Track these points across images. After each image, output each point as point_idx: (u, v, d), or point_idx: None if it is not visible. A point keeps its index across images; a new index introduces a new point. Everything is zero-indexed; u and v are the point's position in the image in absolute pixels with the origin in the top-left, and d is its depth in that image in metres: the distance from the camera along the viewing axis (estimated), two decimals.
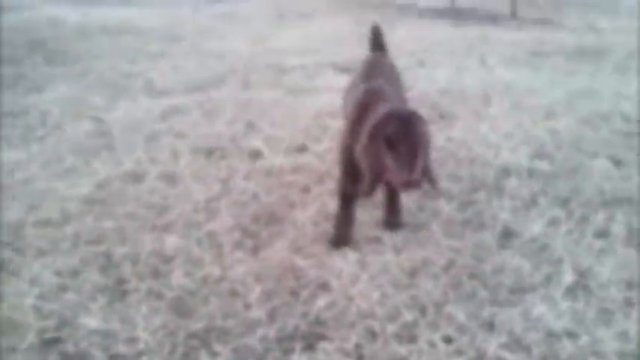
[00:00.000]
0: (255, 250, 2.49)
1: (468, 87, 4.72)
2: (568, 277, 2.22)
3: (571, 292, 2.16)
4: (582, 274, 2.25)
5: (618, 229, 2.54)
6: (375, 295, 2.16)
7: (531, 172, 3.11)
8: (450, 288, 2.19)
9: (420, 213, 2.73)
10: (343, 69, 5.34)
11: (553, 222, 2.62)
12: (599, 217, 2.63)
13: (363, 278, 2.26)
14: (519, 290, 2.18)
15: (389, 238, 2.55)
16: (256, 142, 3.60)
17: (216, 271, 2.32)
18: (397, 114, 2.02)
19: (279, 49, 6.27)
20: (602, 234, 2.53)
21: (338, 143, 2.47)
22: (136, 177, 3.16)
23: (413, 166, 1.93)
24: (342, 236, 2.52)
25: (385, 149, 1.98)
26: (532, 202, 2.81)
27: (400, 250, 2.46)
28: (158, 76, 5.24)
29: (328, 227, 2.59)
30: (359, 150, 2.15)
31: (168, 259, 2.42)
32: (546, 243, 2.47)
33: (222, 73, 5.34)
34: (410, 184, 1.94)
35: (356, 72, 2.82)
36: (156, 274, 2.31)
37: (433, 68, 5.41)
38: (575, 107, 4.11)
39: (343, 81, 5.03)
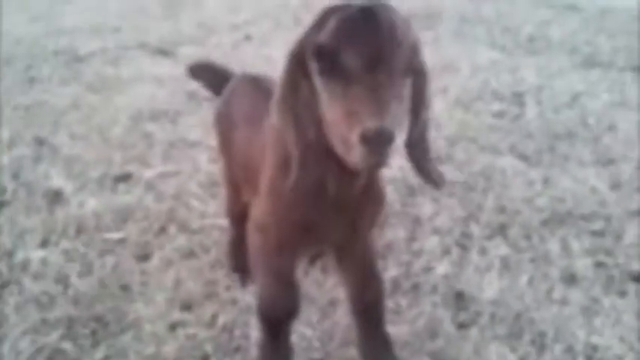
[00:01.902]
0: None
1: None
2: None
3: None
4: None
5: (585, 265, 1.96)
6: None
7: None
8: None
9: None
10: (157, 51, 4.30)
11: (506, 267, 1.95)
12: (554, 248, 2.03)
13: None
14: None
15: None
16: (53, 176, 2.52)
17: None
18: (345, 4, 1.03)
19: (68, 30, 4.94)
20: (570, 279, 1.90)
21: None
22: None
23: (381, 97, 0.94)
24: None
25: (322, 75, 1.02)
26: (465, 237, 2.10)
27: None
28: None
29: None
30: (271, 105, 1.15)
31: None
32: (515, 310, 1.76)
33: None
34: (380, 135, 0.92)
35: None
36: None
37: (263, 44, 4.58)
38: (439, 85, 3.56)
39: (160, 67, 4.14)
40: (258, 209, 1.36)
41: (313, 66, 1.04)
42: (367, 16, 0.99)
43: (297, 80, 1.10)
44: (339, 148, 1.00)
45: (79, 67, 4.02)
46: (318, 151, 1.10)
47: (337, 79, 0.98)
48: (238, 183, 1.65)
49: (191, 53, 4.18)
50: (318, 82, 1.04)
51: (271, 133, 1.27)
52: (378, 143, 0.92)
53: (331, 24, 1.00)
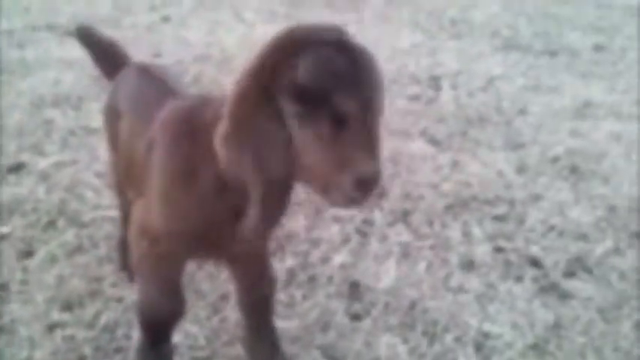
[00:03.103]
0: None
1: (230, 50, 3.85)
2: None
3: None
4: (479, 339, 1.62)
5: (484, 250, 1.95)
6: None
7: None
8: None
9: None
10: (67, 33, 4.08)
11: (405, 254, 1.91)
12: (455, 234, 2.01)
13: None
14: None
15: None
16: None
17: None
18: (308, 36, 0.95)
19: None
20: (468, 265, 1.88)
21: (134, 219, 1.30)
22: None
23: (374, 141, 0.91)
24: None
25: (302, 118, 0.92)
26: (367, 224, 2.05)
27: None
28: None
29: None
30: (220, 140, 1.00)
31: None
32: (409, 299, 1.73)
33: None
34: (375, 180, 0.90)
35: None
36: None
37: (181, 26, 4.42)
38: None
39: (69, 50, 3.92)
40: (144, 214, 1.25)
41: (287, 107, 0.93)
42: (347, 53, 0.93)
43: (256, 115, 0.96)
44: (317, 189, 0.96)
45: None
46: (284, 189, 1.02)
47: (321, 122, 0.90)
48: (123, 181, 1.51)
49: None
50: (293, 124, 0.93)
51: (164, 137, 1.18)
52: (372, 187, 0.91)
53: (309, 62, 0.91)
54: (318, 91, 0.90)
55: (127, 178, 1.42)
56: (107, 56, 1.70)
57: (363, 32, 4.17)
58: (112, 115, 1.49)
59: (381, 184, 0.93)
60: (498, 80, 3.39)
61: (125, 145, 1.39)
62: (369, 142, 0.91)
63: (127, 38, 3.36)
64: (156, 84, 1.40)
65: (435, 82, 3.32)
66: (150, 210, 1.21)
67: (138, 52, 1.96)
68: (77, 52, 3.75)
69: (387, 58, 3.62)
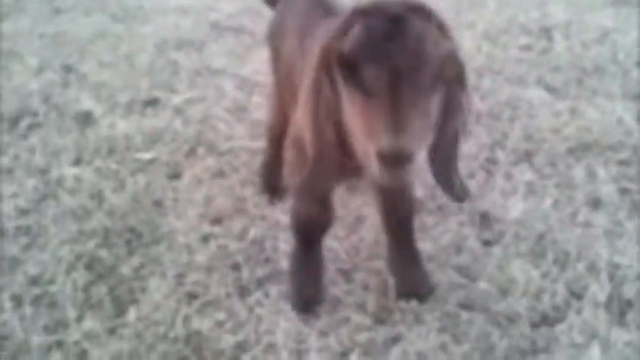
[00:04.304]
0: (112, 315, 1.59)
1: None
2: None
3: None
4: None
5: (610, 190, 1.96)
6: None
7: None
8: None
9: None
10: None
11: (530, 191, 1.96)
12: (579, 174, 2.02)
13: None
14: None
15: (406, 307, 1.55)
16: (82, 100, 2.55)
17: None
18: (373, 6, 1.00)
19: None
20: (594, 203, 1.90)
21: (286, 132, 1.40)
22: None
23: (401, 115, 0.92)
24: (309, 295, 1.54)
25: (344, 81, 0.99)
26: (490, 162, 2.11)
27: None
28: None
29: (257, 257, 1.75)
30: (300, 97, 1.16)
31: None
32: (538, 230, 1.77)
33: None
34: (395, 156, 0.92)
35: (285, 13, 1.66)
36: None
37: None
38: (466, 20, 3.50)
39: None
40: (295, 125, 1.36)
41: (337, 72, 1.01)
42: (394, 27, 0.95)
43: (320, 80, 1.07)
44: (362, 158, 0.99)
45: None
46: (336, 154, 1.09)
47: (359, 90, 0.96)
48: (284, 101, 1.62)
49: None
50: (341, 88, 1.01)
51: (312, 51, 1.27)
52: (394, 163, 0.92)
53: (356, 31, 0.97)
54: (352, 59, 0.96)
55: (288, 94, 1.53)
56: None
57: None
58: (278, 34, 1.61)
59: (410, 159, 0.91)
60: (612, 33, 3.30)
61: (288, 62, 1.50)
62: (392, 116, 0.91)
63: None
64: (318, 8, 1.50)
65: (546, 33, 3.27)
66: (298, 120, 1.31)
67: None
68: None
69: (495, 10, 3.59)
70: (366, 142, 0.95)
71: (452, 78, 1.04)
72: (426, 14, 0.99)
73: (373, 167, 0.95)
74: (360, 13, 1.00)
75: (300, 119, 1.20)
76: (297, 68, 1.39)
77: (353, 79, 0.97)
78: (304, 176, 1.19)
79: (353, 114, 0.99)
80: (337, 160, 1.13)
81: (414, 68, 0.93)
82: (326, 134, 1.09)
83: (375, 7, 0.99)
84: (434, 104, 1.00)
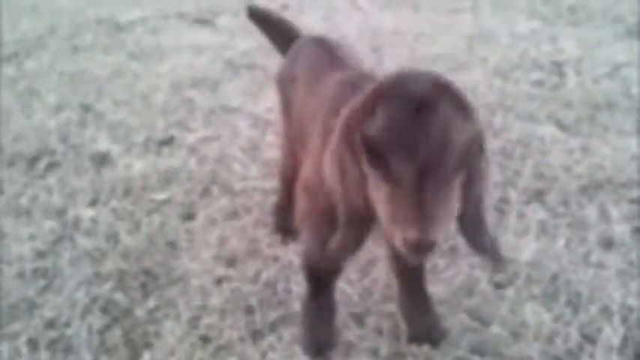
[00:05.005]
0: None
1: (348, 36, 3.98)
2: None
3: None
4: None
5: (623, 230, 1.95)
6: None
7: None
8: None
9: None
10: (195, 21, 4.35)
11: (543, 231, 1.95)
12: (592, 214, 2.02)
13: None
14: None
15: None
16: (99, 139, 2.61)
17: None
18: (398, 85, 0.98)
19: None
20: (607, 243, 1.90)
21: (299, 179, 1.42)
22: None
23: (426, 206, 0.91)
24: (321, 340, 1.55)
25: (369, 164, 0.99)
26: (503, 201, 2.10)
27: None
28: None
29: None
30: (325, 163, 1.16)
31: None
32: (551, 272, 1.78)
33: (40, 34, 4.13)
34: (419, 246, 0.92)
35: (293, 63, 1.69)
36: None
37: (300, 13, 4.59)
38: (479, 55, 3.55)
39: (198, 36, 4.20)
40: (306, 171, 1.38)
41: (361, 151, 1.00)
42: (420, 114, 0.93)
43: (344, 156, 1.06)
44: (387, 234, 0.99)
45: (121, 35, 4.10)
46: (365, 219, 1.11)
47: (384, 175, 0.95)
48: (294, 144, 1.65)
49: (229, 22, 4.24)
50: (365, 167, 1.01)
51: (324, 104, 1.30)
52: (418, 252, 0.92)
53: (380, 114, 0.96)
54: (377, 145, 0.95)
55: (298, 138, 1.56)
56: (279, 31, 1.85)
57: (480, 19, 4.19)
58: (288, 80, 1.64)
59: (434, 247, 0.91)
60: (624, 67, 3.32)
61: (298, 107, 1.53)
62: (418, 208, 0.90)
63: (251, 25, 3.58)
64: (329, 53, 1.54)
65: (557, 68, 3.30)
66: (308, 167, 1.34)
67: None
68: (206, 38, 4.05)
69: (507, 45, 3.63)
70: (392, 229, 0.95)
71: (477, 155, 1.04)
72: (452, 96, 0.98)
73: (398, 245, 0.95)
74: (385, 92, 0.99)
75: (329, 184, 1.17)
76: (307, 115, 1.43)
77: (377, 162, 0.96)
78: (337, 243, 1.19)
79: (377, 196, 0.99)
80: (367, 225, 1.15)
81: (440, 158, 0.93)
82: (354, 202, 1.09)
83: (400, 87, 0.97)
84: (457, 183, 1.00)
